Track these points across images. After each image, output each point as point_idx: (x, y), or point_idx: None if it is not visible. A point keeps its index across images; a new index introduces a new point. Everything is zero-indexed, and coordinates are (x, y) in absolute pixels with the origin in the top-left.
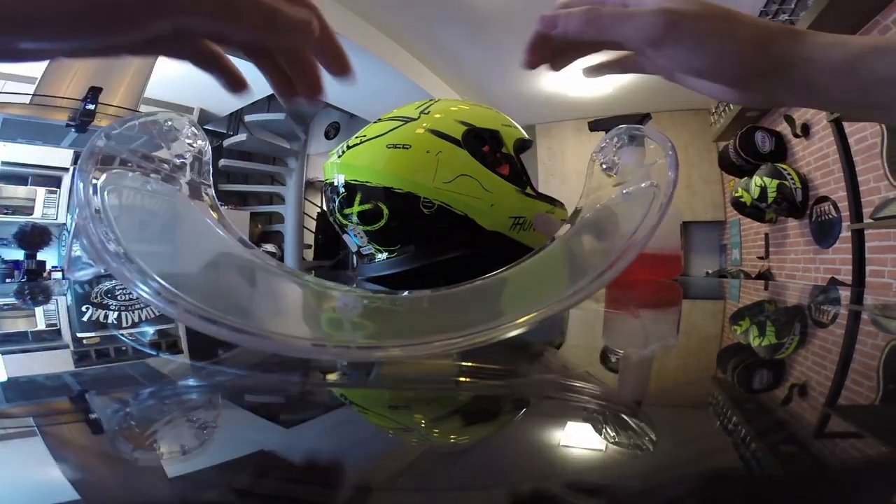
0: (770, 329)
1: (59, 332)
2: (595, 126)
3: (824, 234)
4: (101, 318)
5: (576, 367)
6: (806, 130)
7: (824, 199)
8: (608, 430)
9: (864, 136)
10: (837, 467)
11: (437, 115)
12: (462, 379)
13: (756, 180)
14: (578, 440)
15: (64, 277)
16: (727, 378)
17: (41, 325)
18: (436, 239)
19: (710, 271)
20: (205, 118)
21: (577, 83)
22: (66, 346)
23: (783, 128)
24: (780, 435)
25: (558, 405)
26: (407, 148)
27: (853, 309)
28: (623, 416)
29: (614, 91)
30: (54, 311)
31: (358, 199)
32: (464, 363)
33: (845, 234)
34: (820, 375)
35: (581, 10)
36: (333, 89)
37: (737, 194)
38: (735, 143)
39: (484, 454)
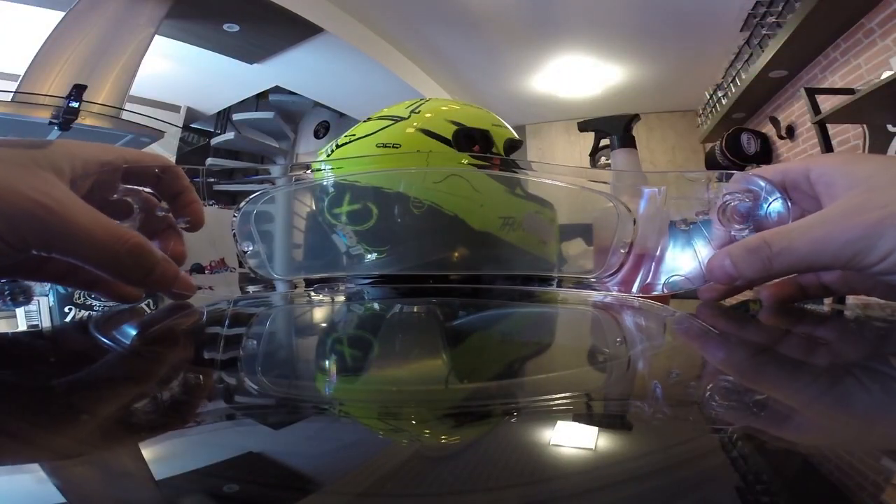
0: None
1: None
2: (584, 126)
3: None
4: (84, 319)
5: (566, 367)
6: (791, 132)
7: None
8: (599, 431)
9: (847, 137)
10: (825, 464)
11: (428, 115)
12: (452, 380)
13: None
14: (569, 442)
15: None
16: (714, 378)
17: (22, 326)
18: (425, 239)
19: None
20: (192, 116)
21: (567, 84)
22: None
23: (769, 129)
24: (768, 433)
25: (548, 407)
26: (397, 147)
27: (836, 308)
28: (613, 417)
29: (603, 92)
30: (36, 312)
31: (347, 198)
32: (454, 364)
33: None
34: (805, 374)
35: (749, 252)
36: (323, 88)
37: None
38: (721, 144)
39: (474, 457)
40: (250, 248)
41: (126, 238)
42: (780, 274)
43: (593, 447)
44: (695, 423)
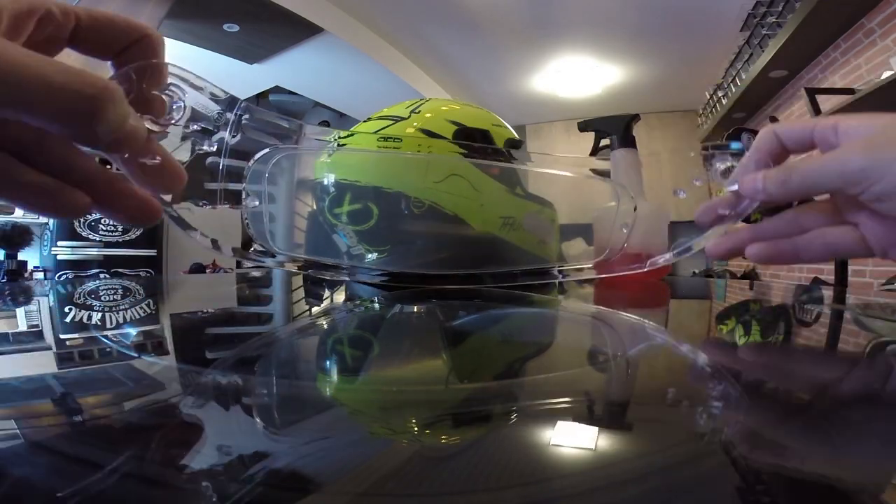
0: (755, 328)
1: (41, 333)
2: (585, 126)
3: None
4: (84, 319)
5: (566, 367)
6: None
7: (808, 199)
8: (598, 432)
9: None
10: (823, 466)
11: (428, 115)
12: (453, 381)
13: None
14: (569, 442)
15: (45, 278)
16: (714, 377)
17: (23, 327)
18: (426, 238)
19: (697, 271)
20: (195, 116)
21: (567, 84)
22: (49, 348)
23: None
24: (767, 434)
25: (548, 407)
26: (398, 141)
27: (836, 308)
28: (612, 417)
29: (603, 92)
30: (36, 312)
31: (347, 198)
32: (455, 364)
33: None
34: (804, 374)
35: (778, 174)
36: (322, 88)
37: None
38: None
39: (474, 458)
40: (256, 203)
41: (95, 79)
42: (796, 190)
43: (592, 447)
44: (689, 423)
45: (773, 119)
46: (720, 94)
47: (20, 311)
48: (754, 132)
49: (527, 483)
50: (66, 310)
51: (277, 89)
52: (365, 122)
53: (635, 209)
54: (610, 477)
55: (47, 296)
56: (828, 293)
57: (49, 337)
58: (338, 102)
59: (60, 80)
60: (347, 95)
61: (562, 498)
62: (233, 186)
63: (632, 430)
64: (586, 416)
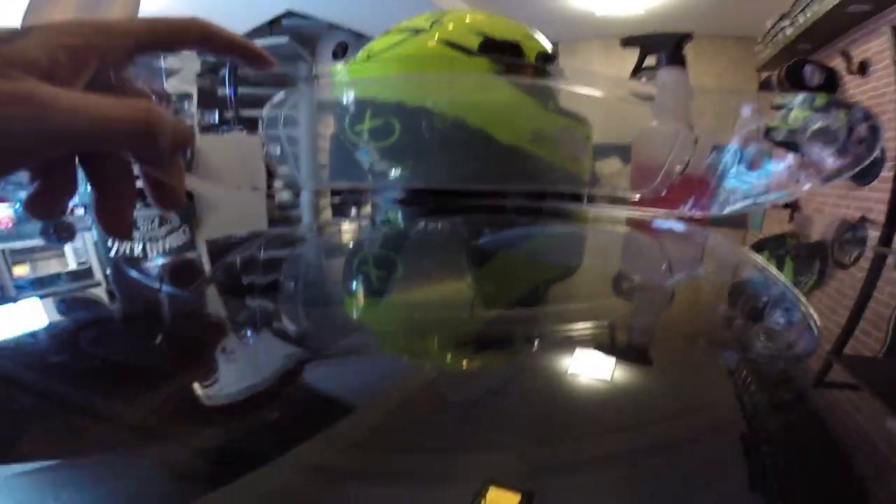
0: (788, 266)
1: (90, 270)
2: (629, 41)
3: (864, 170)
4: (127, 251)
5: (592, 295)
6: (864, 68)
7: None
8: (616, 363)
9: None
10: (833, 419)
11: (451, 26)
12: (478, 307)
13: (796, 112)
14: (587, 372)
15: (86, 213)
16: (736, 315)
17: (72, 265)
18: (449, 153)
19: None
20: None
21: (605, 2)
22: (99, 284)
23: (836, 64)
24: (781, 381)
25: (569, 337)
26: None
27: (880, 251)
28: (631, 351)
29: (646, 14)
30: (82, 248)
31: (368, 115)
32: (480, 290)
33: (886, 173)
34: (830, 321)
35: None
36: (334, 7)
37: (772, 124)
38: (780, 73)
39: (496, 381)
40: (278, 153)
41: (139, 105)
42: None
43: (616, 380)
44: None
45: (845, 54)
46: (786, 22)
47: (68, 249)
48: (821, 65)
49: (549, 413)
50: (109, 244)
51: (290, 15)
52: (384, 35)
53: (696, 142)
54: (632, 411)
55: (90, 229)
56: (874, 234)
57: (98, 273)
58: (353, 22)
59: (112, 115)
60: (363, 13)
61: (587, 435)
62: (250, 113)
63: (653, 365)
64: (611, 347)
